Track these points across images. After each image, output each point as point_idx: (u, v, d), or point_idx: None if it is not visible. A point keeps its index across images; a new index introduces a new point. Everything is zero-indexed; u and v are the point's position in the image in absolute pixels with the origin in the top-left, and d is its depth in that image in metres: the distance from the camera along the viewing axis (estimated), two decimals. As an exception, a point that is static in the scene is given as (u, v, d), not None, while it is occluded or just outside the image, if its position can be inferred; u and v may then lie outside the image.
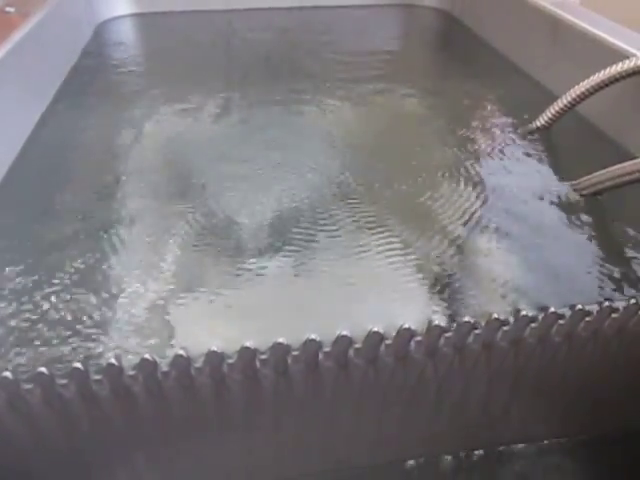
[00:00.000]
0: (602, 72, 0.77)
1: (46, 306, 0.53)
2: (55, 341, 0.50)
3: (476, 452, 0.48)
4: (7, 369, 0.36)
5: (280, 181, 0.73)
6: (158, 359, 0.38)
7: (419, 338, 0.40)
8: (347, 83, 1.02)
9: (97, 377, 0.37)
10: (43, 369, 0.36)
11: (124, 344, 0.50)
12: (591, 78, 0.78)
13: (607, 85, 0.77)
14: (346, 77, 1.05)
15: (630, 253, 0.61)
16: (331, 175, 0.75)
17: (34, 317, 0.52)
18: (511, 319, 0.41)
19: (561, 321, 0.42)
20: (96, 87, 1.01)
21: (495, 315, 0.41)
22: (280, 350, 0.39)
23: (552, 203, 0.69)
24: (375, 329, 0.39)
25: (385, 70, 1.10)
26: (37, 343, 0.49)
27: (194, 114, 0.91)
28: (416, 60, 1.21)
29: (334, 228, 0.65)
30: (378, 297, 0.56)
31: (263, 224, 0.65)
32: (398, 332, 0.40)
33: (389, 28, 1.37)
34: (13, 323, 0.51)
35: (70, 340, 0.50)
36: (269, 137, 0.84)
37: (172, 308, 0.54)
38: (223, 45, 1.24)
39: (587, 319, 0.42)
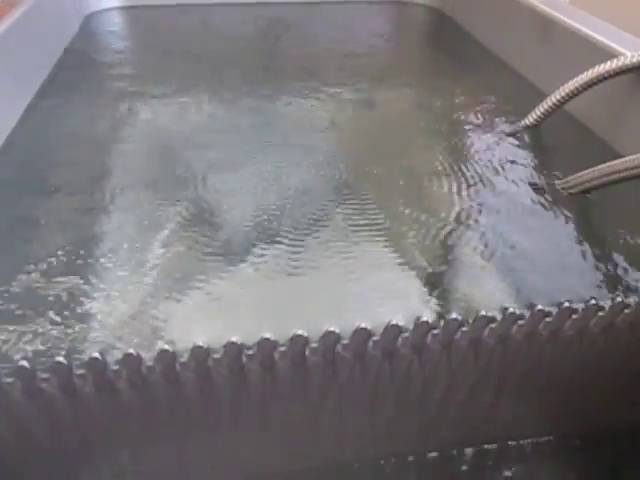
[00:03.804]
0: (591, 70, 0.77)
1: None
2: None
3: (463, 449, 0.48)
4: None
5: (268, 174, 0.73)
6: (142, 354, 0.37)
7: (407, 334, 0.40)
8: (336, 78, 1.01)
9: (80, 371, 0.37)
10: (24, 362, 0.35)
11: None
12: (580, 76, 0.78)
13: (596, 83, 0.77)
14: (335, 73, 1.04)
15: (618, 252, 0.61)
16: (319, 169, 0.74)
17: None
18: (498, 316, 0.41)
19: (548, 318, 0.42)
20: (83, 79, 1.00)
21: (482, 312, 0.41)
22: (267, 345, 0.38)
23: (541, 201, 0.69)
24: (363, 325, 0.39)
25: (375, 67, 1.09)
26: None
27: (181, 106, 0.90)
28: (406, 57, 1.21)
29: (325, 222, 0.64)
30: (368, 292, 0.56)
31: (252, 214, 0.65)
32: (386, 328, 0.40)
33: (380, 25, 1.37)
34: None
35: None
36: (255, 130, 0.84)
37: (157, 301, 0.53)
38: (211, 38, 1.23)
39: (574, 317, 0.42)
